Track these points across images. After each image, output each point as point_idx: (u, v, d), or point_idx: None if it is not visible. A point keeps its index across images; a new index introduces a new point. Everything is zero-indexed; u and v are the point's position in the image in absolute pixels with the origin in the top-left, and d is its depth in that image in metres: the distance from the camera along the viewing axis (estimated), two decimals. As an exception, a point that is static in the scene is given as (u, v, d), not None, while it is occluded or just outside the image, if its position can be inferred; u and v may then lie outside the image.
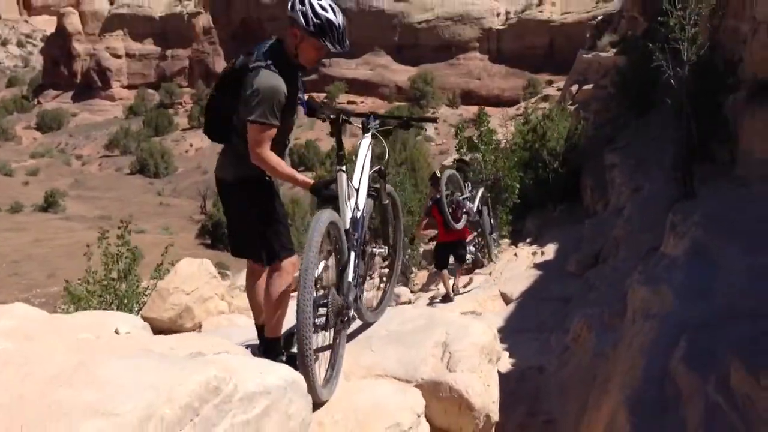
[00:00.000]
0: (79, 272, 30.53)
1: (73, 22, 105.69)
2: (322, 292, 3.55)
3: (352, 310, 3.80)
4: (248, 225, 3.76)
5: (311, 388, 3.29)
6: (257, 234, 3.72)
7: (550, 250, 11.20)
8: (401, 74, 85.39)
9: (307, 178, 3.92)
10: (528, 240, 13.40)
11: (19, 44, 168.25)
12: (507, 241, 13.90)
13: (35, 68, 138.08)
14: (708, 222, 5.62)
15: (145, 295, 9.03)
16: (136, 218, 56.09)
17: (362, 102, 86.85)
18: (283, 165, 3.70)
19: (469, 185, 10.73)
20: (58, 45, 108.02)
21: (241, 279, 27.90)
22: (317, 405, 3.41)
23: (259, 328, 3.96)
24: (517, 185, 12.60)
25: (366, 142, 4.30)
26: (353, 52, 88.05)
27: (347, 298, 3.71)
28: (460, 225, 9.72)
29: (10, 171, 75.33)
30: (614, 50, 16.98)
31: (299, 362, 3.32)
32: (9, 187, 67.96)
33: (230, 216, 3.97)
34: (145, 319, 9.07)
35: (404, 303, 11.36)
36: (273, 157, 3.63)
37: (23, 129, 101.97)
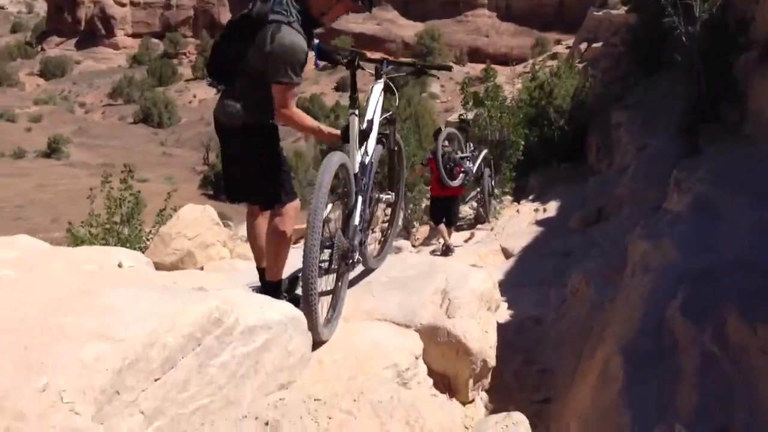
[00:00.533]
0: (82, 217, 30.73)
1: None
2: (328, 234, 3.56)
3: (357, 254, 3.81)
4: (252, 170, 3.72)
5: (312, 327, 3.32)
6: (261, 178, 3.70)
7: (552, 207, 11.19)
8: (408, 29, 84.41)
9: (332, 128, 3.91)
10: (531, 197, 13.38)
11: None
12: (509, 197, 13.89)
13: (39, 14, 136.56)
14: (714, 177, 5.59)
15: (148, 240, 9.07)
16: (139, 167, 56.04)
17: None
18: (309, 119, 3.75)
19: (471, 145, 10.78)
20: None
21: (244, 229, 28.02)
22: (317, 344, 3.44)
23: (261, 271, 3.94)
24: (522, 142, 12.54)
25: (378, 87, 4.23)
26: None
27: (352, 241, 3.72)
28: (455, 183, 9.87)
29: (13, 117, 75.13)
30: (625, 8, 16.67)
31: (302, 300, 3.34)
32: (12, 133, 67.83)
33: (231, 160, 3.86)
34: (147, 262, 9.18)
35: (405, 256, 11.42)
36: (299, 113, 3.67)
37: (26, 75, 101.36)
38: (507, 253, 9.66)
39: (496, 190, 13.00)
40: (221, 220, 29.50)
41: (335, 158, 3.49)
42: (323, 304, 3.55)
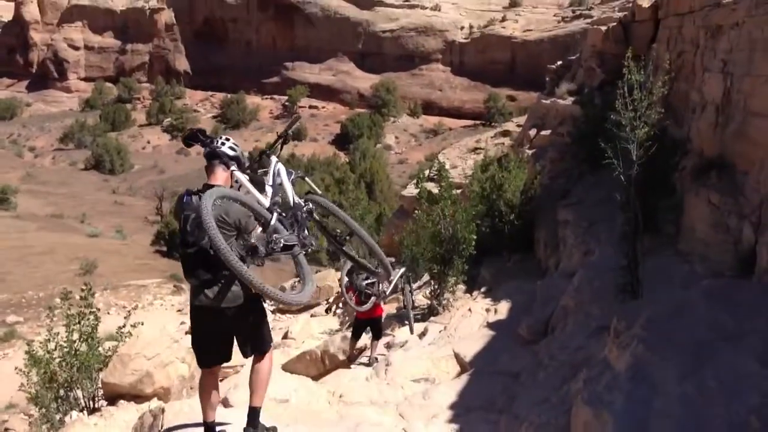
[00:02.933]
0: (28, 279, 30.08)
1: (31, 10, 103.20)
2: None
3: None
4: (251, 328, 4.62)
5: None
6: (253, 334, 4.64)
7: (503, 309, 11.68)
8: (364, 81, 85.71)
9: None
10: (482, 290, 13.88)
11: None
12: (462, 287, 14.36)
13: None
14: (649, 336, 6.09)
15: (107, 356, 9.20)
16: (90, 216, 55.52)
17: (324, 107, 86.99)
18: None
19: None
20: (15, 33, 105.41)
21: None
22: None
23: (208, 424, 4.85)
24: (474, 237, 13.07)
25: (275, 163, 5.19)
26: (317, 56, 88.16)
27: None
28: (364, 308, 10.98)
29: (-41, 161, 73.47)
30: (572, 99, 17.58)
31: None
32: (-43, 179, 66.29)
33: (221, 334, 4.64)
34: (105, 384, 9.28)
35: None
36: None
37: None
38: (460, 360, 10.07)
39: (450, 279, 13.48)
40: (174, 284, 29.20)
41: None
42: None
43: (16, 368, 9.52)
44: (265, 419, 5.09)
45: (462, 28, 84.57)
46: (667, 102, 11.89)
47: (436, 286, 13.68)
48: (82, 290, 9.26)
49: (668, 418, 4.99)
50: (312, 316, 19.58)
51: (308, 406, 8.46)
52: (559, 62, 21.25)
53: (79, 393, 9.42)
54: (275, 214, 4.55)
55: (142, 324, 10.04)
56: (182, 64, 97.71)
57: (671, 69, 11.46)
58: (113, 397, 9.35)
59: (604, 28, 17.75)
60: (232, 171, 4.80)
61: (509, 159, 17.29)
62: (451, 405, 8.20)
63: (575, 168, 15.82)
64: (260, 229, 4.55)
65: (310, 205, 5.00)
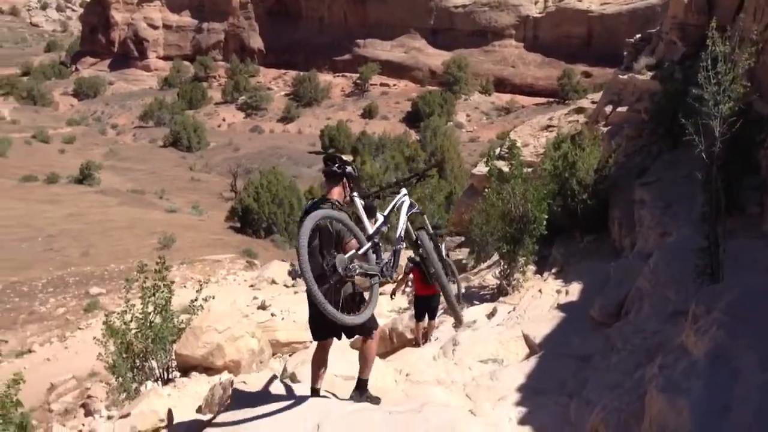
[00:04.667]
0: (110, 252, 31.19)
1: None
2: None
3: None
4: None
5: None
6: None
7: (575, 290, 11.38)
8: (435, 58, 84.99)
9: None
10: (553, 270, 13.58)
11: (59, 8, 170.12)
12: (532, 268, 14.10)
13: (73, 33, 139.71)
14: (730, 320, 5.80)
15: (179, 329, 9.44)
16: (168, 192, 57.16)
17: (395, 85, 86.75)
18: None
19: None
20: (96, 12, 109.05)
21: (269, 271, 28.05)
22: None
23: (314, 390, 5.74)
24: (546, 217, 12.77)
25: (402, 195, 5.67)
26: (389, 33, 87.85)
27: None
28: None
29: (47, 138, 76.68)
30: (650, 74, 16.89)
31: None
32: (47, 154, 69.33)
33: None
34: (178, 355, 9.52)
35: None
36: None
37: (60, 95, 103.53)
38: (529, 342, 9.87)
39: (520, 259, 13.24)
40: (247, 259, 29.75)
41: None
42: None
43: (94, 338, 9.87)
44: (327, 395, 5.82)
45: (536, 2, 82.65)
46: (753, 75, 11.26)
47: (506, 266, 13.46)
48: (157, 264, 9.50)
49: (749, 406, 4.73)
50: (381, 294, 19.65)
51: (375, 383, 8.46)
52: (638, 36, 20.41)
53: (154, 363, 9.71)
54: (370, 243, 4.92)
55: (213, 298, 10.26)
56: (256, 42, 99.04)
57: (758, 41, 10.83)
58: (186, 368, 9.58)
59: (686, -1, 16.94)
60: (353, 196, 5.18)
61: (583, 136, 16.78)
62: (520, 387, 8.04)
63: (653, 145, 15.22)
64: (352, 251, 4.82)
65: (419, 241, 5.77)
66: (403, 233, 5.40)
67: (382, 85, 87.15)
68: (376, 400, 5.74)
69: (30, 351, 22.05)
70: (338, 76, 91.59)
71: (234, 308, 9.19)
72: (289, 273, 26.96)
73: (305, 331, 12.59)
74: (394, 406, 6.85)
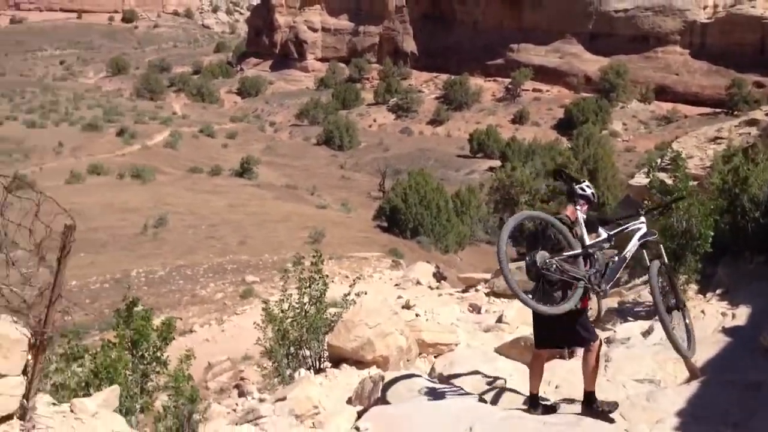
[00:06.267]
0: (265, 243, 32.67)
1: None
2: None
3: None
4: (572, 326, 5.41)
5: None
6: (575, 330, 5.46)
7: (742, 314, 10.63)
8: (591, 64, 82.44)
9: None
10: (718, 291, 12.75)
11: (228, 11, 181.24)
12: (695, 287, 13.32)
13: (240, 35, 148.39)
14: None
15: (332, 321, 9.77)
16: (319, 189, 59.34)
17: (548, 91, 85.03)
18: None
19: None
20: (262, 16, 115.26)
21: (414, 272, 28.41)
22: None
23: (533, 395, 5.93)
24: (711, 233, 12.02)
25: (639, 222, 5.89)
26: (544, 38, 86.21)
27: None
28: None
29: (212, 132, 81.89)
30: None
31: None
32: (211, 148, 74.14)
33: (554, 322, 5.44)
34: (330, 346, 9.85)
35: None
36: None
37: (226, 93, 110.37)
38: (689, 365, 9.37)
39: (681, 277, 12.56)
40: (393, 259, 30.18)
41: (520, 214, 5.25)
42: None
43: (254, 323, 10.41)
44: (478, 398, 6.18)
45: (705, 7, 78.01)
46: None
47: (664, 282, 12.80)
48: (313, 257, 9.89)
49: None
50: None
51: (522, 392, 8.37)
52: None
53: (307, 352, 10.10)
54: (581, 250, 5.30)
55: (365, 293, 10.51)
56: (409, 45, 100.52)
57: None
58: (337, 359, 9.88)
59: None
60: (576, 210, 5.56)
61: (757, 150, 15.61)
62: (678, 412, 7.64)
63: (839, 163, 13.91)
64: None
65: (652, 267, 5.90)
66: (628, 255, 5.69)
67: (534, 90, 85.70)
68: (612, 405, 6.08)
69: (191, 331, 23.66)
70: (489, 80, 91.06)
71: (385, 305, 9.38)
72: (434, 275, 27.12)
73: (451, 333, 12.65)
74: (548, 418, 6.75)
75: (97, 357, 7.11)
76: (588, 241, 5.43)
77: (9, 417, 3.52)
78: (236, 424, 7.36)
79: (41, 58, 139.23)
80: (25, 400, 3.51)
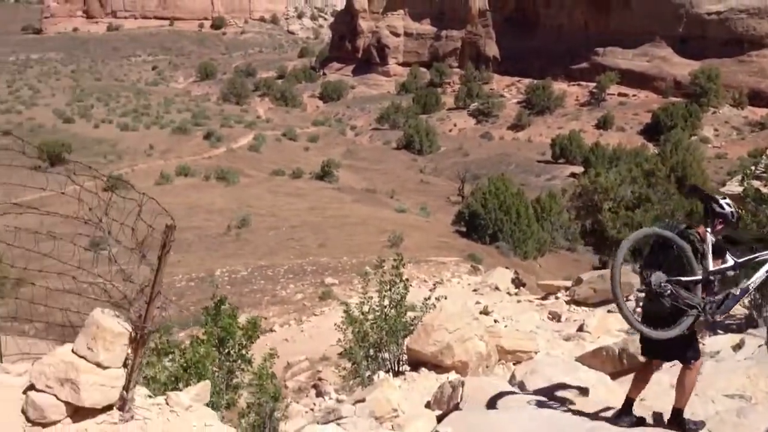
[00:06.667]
0: (344, 246, 32.99)
1: (361, 0, 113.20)
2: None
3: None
4: (677, 341, 5.13)
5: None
6: (679, 345, 5.21)
7: None
8: (681, 68, 79.76)
9: None
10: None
11: (312, 17, 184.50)
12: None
13: (323, 41, 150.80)
14: None
15: (412, 325, 9.81)
16: (398, 193, 59.61)
17: (634, 95, 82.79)
18: None
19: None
20: (345, 21, 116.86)
21: (493, 278, 28.12)
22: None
23: (629, 399, 5.81)
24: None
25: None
26: (631, 41, 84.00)
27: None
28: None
29: (295, 136, 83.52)
30: None
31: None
32: (293, 151, 75.62)
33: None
34: (409, 349, 9.90)
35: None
36: None
37: (309, 97, 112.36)
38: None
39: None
40: (471, 264, 29.92)
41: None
42: None
43: (335, 324, 10.56)
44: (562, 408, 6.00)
45: (806, 7, 74.36)
46: None
47: (758, 295, 12.28)
48: (394, 260, 9.97)
49: None
50: (609, 312, 18.86)
51: (606, 403, 8.19)
52: None
53: (386, 355, 10.19)
54: (700, 277, 5.02)
55: (446, 298, 10.51)
56: (492, 49, 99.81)
57: None
58: (415, 363, 9.91)
59: None
60: (707, 231, 5.26)
61: None
62: (770, 433, 7.32)
63: None
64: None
65: None
66: (752, 287, 5.29)
67: (620, 95, 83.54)
68: (700, 425, 5.85)
69: (271, 330, 24.14)
70: (573, 84, 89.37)
71: (465, 310, 9.35)
72: (513, 281, 26.80)
73: (530, 340, 12.48)
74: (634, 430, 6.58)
75: (186, 353, 7.38)
76: (711, 267, 5.08)
77: (109, 407, 3.70)
78: (318, 423, 7.48)
79: (135, 63, 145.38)
80: (124, 392, 3.70)
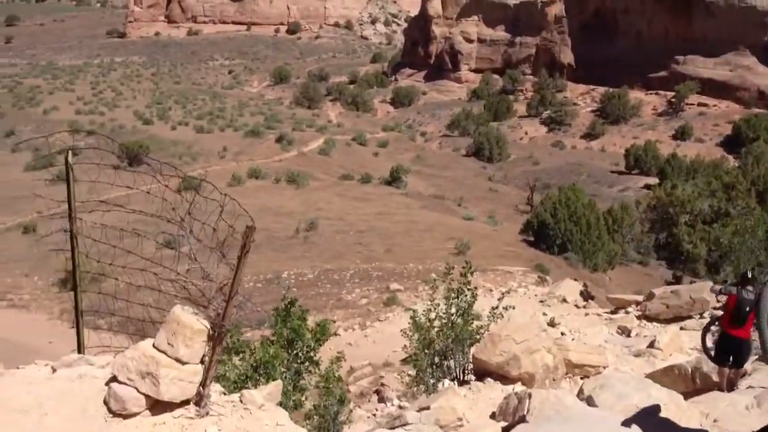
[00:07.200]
0: (410, 252, 32.95)
1: (435, 6, 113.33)
2: None
3: None
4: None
5: None
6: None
7: None
8: (766, 78, 76.69)
9: None
10: None
11: (386, 23, 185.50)
12: None
13: (396, 46, 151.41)
14: None
15: (478, 334, 9.74)
16: (466, 200, 59.29)
17: (715, 106, 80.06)
18: None
19: None
20: (419, 27, 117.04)
21: (560, 289, 27.71)
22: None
23: None
24: None
25: None
26: (713, 50, 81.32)
27: None
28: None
29: (365, 141, 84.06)
30: None
31: None
32: (362, 156, 76.11)
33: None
34: (474, 359, 9.83)
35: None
36: None
37: (380, 102, 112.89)
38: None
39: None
40: (538, 275, 29.58)
41: None
42: None
43: (401, 330, 10.58)
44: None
45: None
46: None
47: None
48: (463, 268, 9.93)
49: None
50: (682, 329, 18.28)
51: (678, 422, 7.95)
52: None
53: (452, 363, 10.15)
54: None
55: (514, 308, 10.40)
56: (567, 56, 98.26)
57: None
58: (481, 372, 9.84)
59: None
60: None
61: None
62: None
63: None
64: None
65: None
66: None
67: (699, 105, 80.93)
68: None
69: (336, 334, 24.36)
70: (650, 93, 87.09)
71: (533, 321, 9.23)
72: (581, 293, 26.29)
73: (599, 355, 12.22)
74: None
75: (256, 352, 7.53)
76: None
77: (186, 402, 3.82)
78: (382, 427, 7.51)
79: (212, 67, 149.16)
80: (201, 388, 3.82)
